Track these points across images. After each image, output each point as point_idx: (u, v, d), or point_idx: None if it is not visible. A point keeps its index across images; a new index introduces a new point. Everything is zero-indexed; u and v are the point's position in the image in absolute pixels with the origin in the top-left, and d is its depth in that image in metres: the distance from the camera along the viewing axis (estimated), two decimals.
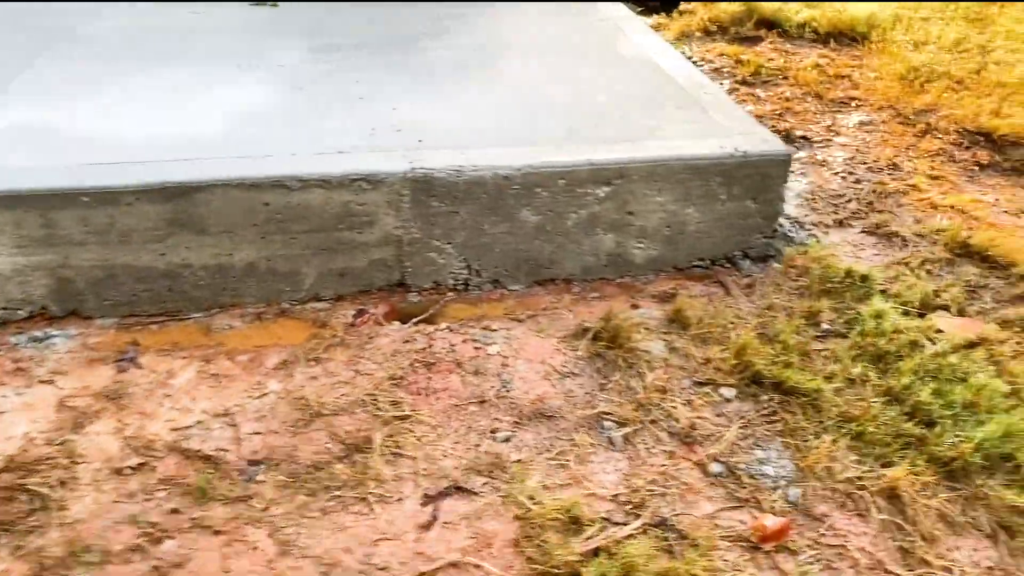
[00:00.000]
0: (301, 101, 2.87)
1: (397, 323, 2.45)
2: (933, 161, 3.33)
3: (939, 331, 2.27)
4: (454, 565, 1.71)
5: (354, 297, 2.57)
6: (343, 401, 2.12)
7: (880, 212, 2.99)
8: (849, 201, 3.08)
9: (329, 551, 1.73)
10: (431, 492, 1.88)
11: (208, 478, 1.87)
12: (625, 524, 1.81)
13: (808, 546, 1.77)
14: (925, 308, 2.43)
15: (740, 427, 2.07)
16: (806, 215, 3.01)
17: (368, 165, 2.43)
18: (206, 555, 1.71)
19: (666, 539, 1.76)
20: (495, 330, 2.40)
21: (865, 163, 3.34)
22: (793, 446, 2.00)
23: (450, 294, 2.61)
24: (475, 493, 1.88)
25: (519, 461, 1.97)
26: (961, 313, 2.42)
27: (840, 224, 2.95)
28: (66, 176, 2.27)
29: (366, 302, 2.55)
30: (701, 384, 2.20)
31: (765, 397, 2.14)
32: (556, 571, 1.66)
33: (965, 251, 2.69)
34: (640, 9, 5.25)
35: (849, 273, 2.47)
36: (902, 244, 2.80)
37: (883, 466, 1.91)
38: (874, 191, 3.12)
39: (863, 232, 2.90)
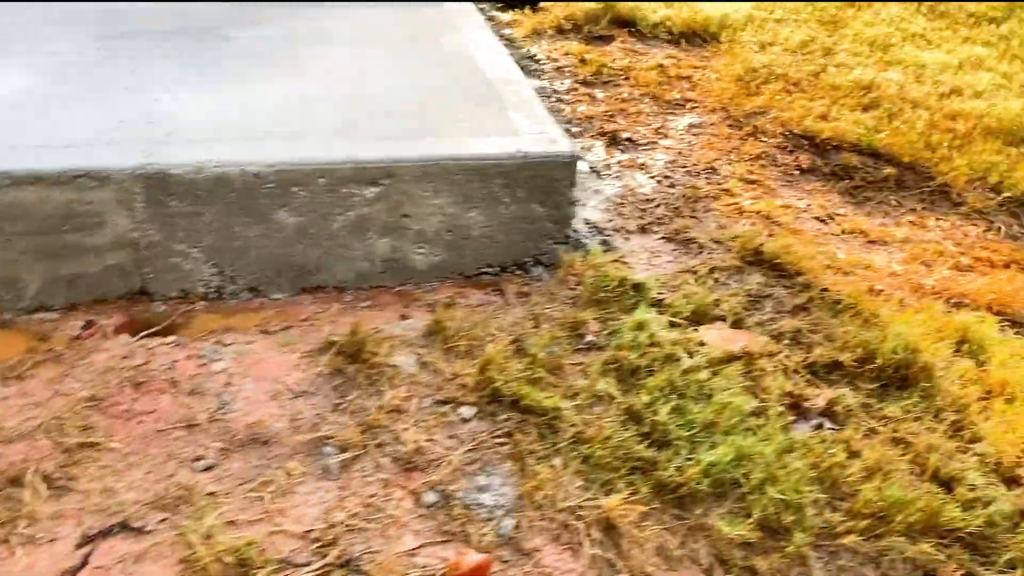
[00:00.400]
0: (59, 92, 2.60)
1: (126, 336, 2.21)
2: (753, 165, 3.22)
3: (701, 344, 2.13)
4: None
5: (88, 307, 2.32)
6: (26, 426, 1.87)
7: (685, 218, 2.86)
8: (657, 206, 2.95)
9: None
10: (92, 532, 1.65)
11: None
12: (306, 565, 1.60)
13: None
14: (699, 319, 2.29)
15: (469, 450, 1.89)
16: (610, 220, 2.86)
17: (93, 161, 2.20)
18: None
19: None
20: (228, 344, 2.18)
21: (685, 167, 3.22)
22: (520, 471, 1.83)
23: (201, 303, 2.39)
24: (145, 532, 1.66)
25: (212, 494, 1.76)
26: (737, 324, 2.29)
27: (643, 230, 2.81)
28: None
29: (101, 312, 2.31)
30: (442, 403, 2.02)
31: (503, 416, 1.97)
32: None
33: (757, 259, 2.57)
34: (500, 5, 5.09)
35: (623, 282, 2.32)
36: (697, 251, 2.67)
37: (606, 493, 1.75)
38: (684, 196, 2.99)
39: (663, 238, 2.76)
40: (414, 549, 1.67)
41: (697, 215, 2.89)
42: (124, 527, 1.67)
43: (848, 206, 3.00)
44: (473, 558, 1.62)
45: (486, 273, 2.60)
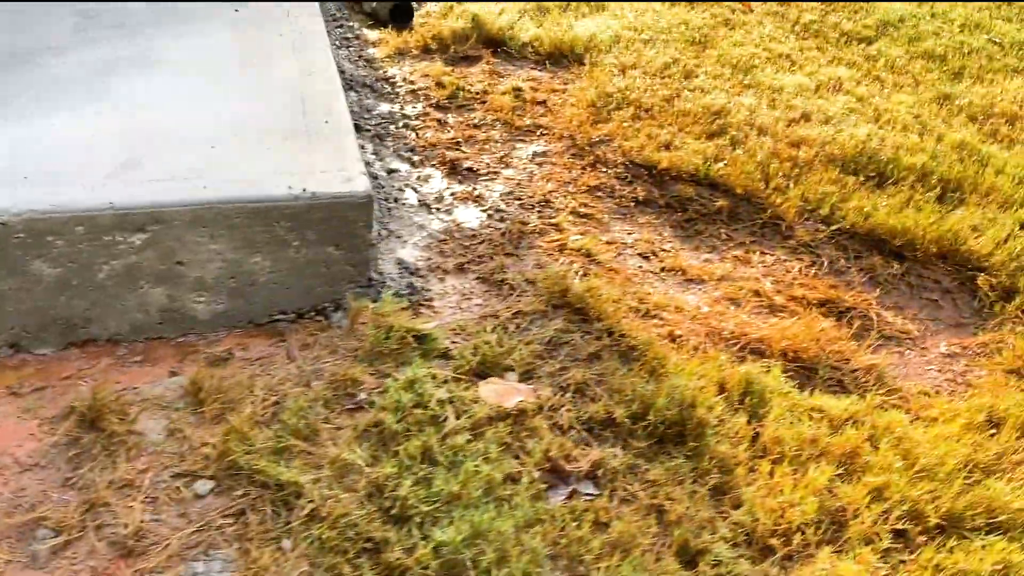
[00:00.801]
0: None
1: None
2: (590, 197, 3.12)
3: (475, 401, 2.00)
4: None
5: None
6: None
7: (505, 256, 2.74)
8: (481, 243, 2.82)
9: None
10: None
11: None
12: None
13: None
14: (486, 372, 2.17)
15: (195, 531, 1.74)
16: (429, 259, 2.73)
17: None
18: None
19: None
20: None
21: (520, 199, 3.10)
22: (244, 555, 1.67)
23: None
24: None
25: None
26: (526, 376, 2.17)
27: (460, 270, 2.69)
28: None
29: None
30: (179, 476, 1.86)
31: (239, 492, 1.82)
32: None
33: (562, 302, 2.45)
34: (370, 23, 4.94)
35: (407, 333, 2.18)
36: (508, 293, 2.56)
37: None
38: (511, 231, 2.87)
39: (478, 279, 2.64)
40: None
41: (519, 252, 2.78)
42: None
43: (676, 240, 2.92)
44: None
45: (280, 320, 2.45)
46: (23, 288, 2.21)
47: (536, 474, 1.81)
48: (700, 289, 2.62)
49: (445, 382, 2.06)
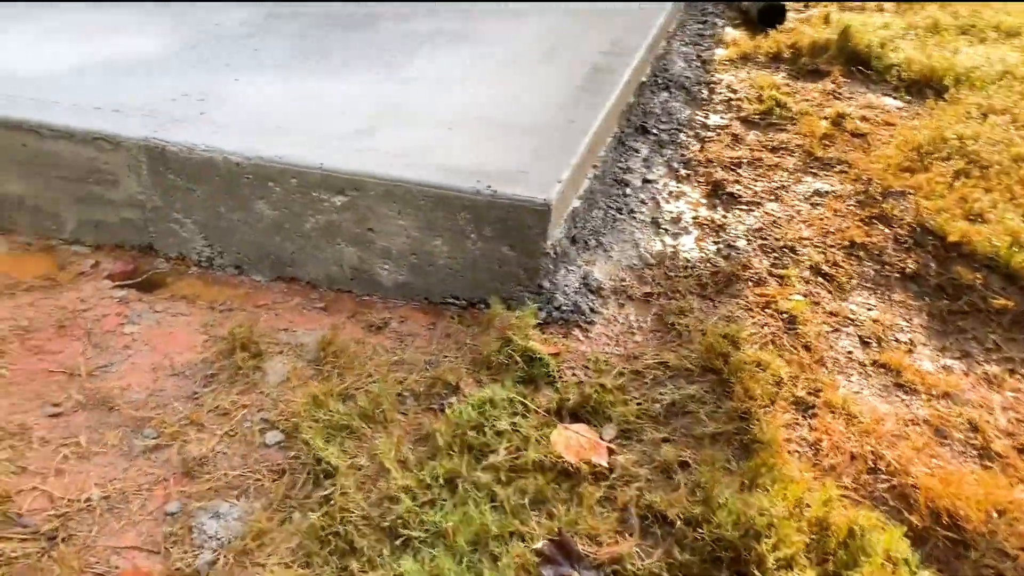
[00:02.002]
0: (162, 60, 3.02)
1: (108, 281, 2.54)
2: (847, 255, 2.67)
3: (538, 442, 1.88)
4: None
5: (110, 249, 2.70)
6: None
7: (700, 297, 2.49)
8: (686, 277, 2.59)
9: None
10: None
11: None
12: (21, 536, 1.78)
13: None
14: (583, 416, 2.02)
15: (242, 474, 1.91)
16: (622, 281, 2.58)
17: (111, 127, 2.53)
18: None
19: None
20: (158, 311, 2.41)
21: (765, 239, 2.77)
22: (257, 515, 1.81)
23: (195, 268, 2.65)
24: None
25: (43, 439, 2.00)
26: (624, 435, 1.98)
27: (646, 300, 2.51)
28: None
29: (115, 256, 2.67)
30: (263, 421, 2.05)
31: (292, 454, 1.95)
32: None
33: (716, 366, 2.16)
34: (737, 21, 4.71)
35: (524, 352, 2.11)
36: (672, 339, 2.32)
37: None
38: (724, 272, 2.59)
39: (655, 315, 2.44)
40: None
41: (717, 298, 2.49)
42: None
43: (924, 332, 2.37)
44: None
45: (451, 304, 2.52)
46: (248, 222, 2.55)
47: (540, 543, 1.65)
48: (904, 400, 2.11)
49: (520, 414, 1.95)
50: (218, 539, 1.76)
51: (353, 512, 1.73)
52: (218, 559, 1.72)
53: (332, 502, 1.77)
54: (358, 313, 2.48)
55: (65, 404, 2.11)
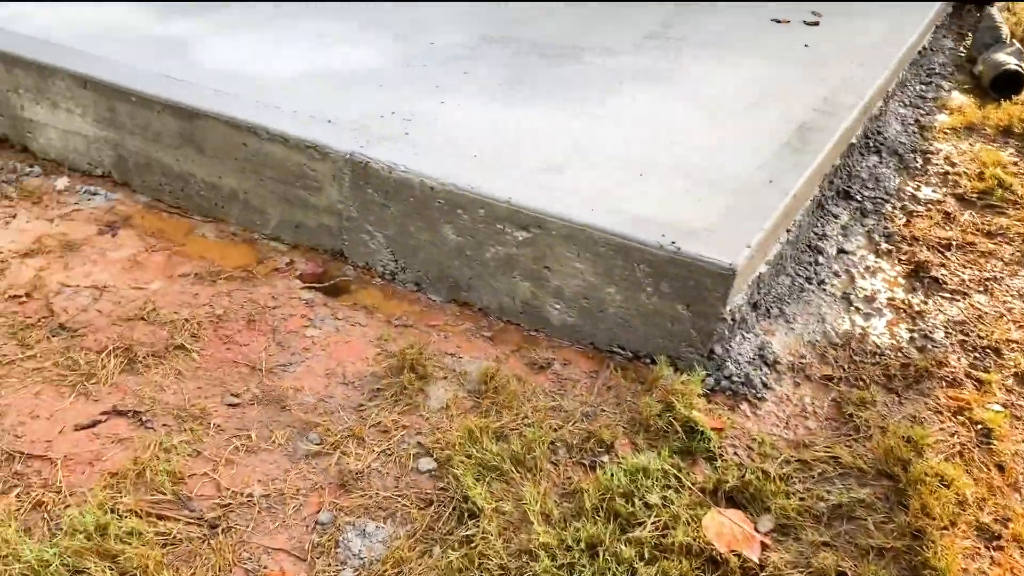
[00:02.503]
0: (379, 73, 3.16)
1: (298, 281, 2.70)
2: None
3: (688, 524, 1.82)
4: None
5: (305, 250, 2.87)
6: (169, 316, 2.48)
7: (886, 390, 2.32)
8: (874, 364, 2.43)
9: None
10: (116, 407, 2.18)
11: (26, 332, 2.40)
12: (187, 519, 1.91)
13: None
14: (740, 501, 1.93)
15: (391, 496, 1.97)
16: (801, 358, 2.46)
17: (322, 138, 2.68)
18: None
19: None
20: (340, 318, 2.53)
21: (966, 335, 2.55)
22: (401, 542, 1.86)
23: (378, 279, 2.77)
24: (147, 427, 2.13)
25: (217, 426, 2.15)
26: (782, 531, 1.87)
27: (824, 383, 2.37)
28: (128, 77, 2.93)
29: (308, 257, 2.83)
30: (419, 446, 2.10)
31: (442, 485, 1.98)
32: None
33: (893, 472, 2.01)
34: (966, 86, 4.39)
35: (685, 420, 2.05)
36: (848, 432, 2.18)
37: None
38: (917, 366, 2.40)
39: (833, 401, 2.30)
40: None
41: (904, 394, 2.31)
42: (135, 416, 2.15)
43: None
44: None
45: (617, 354, 2.49)
46: (433, 243, 2.63)
47: None
48: None
49: (674, 488, 1.88)
50: (360, 559, 1.81)
51: (492, 560, 1.73)
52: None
53: (473, 544, 1.78)
54: (523, 348, 2.49)
55: (243, 396, 2.24)
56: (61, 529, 1.80)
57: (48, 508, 1.88)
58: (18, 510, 1.86)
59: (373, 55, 3.30)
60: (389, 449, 2.09)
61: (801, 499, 1.93)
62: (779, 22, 4.09)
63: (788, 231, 2.78)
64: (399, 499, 1.95)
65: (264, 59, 3.17)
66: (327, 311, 2.56)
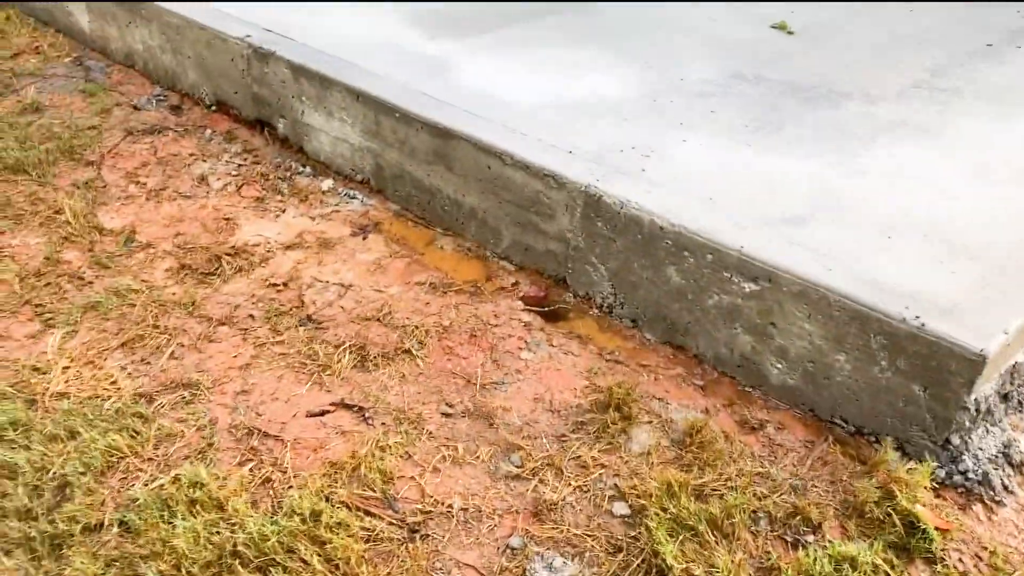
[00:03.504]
0: (618, 105, 3.20)
1: (520, 303, 2.79)
2: None
3: None
4: None
5: (530, 272, 2.97)
6: (403, 320, 2.66)
7: None
8: None
9: None
10: (344, 400, 2.37)
11: (279, 318, 2.67)
12: (387, 522, 2.04)
13: None
14: None
15: (584, 534, 1.99)
16: None
17: (562, 168, 2.76)
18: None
19: None
20: (555, 345, 2.58)
21: None
22: None
23: (595, 310, 2.81)
24: (368, 423, 2.30)
25: (430, 433, 2.29)
26: None
27: None
28: (394, 94, 3.17)
29: (532, 280, 2.93)
30: (615, 488, 2.10)
31: (633, 534, 1.97)
32: None
33: None
34: None
35: (906, 514, 1.90)
36: None
37: None
38: None
39: None
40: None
41: None
42: (360, 411, 2.32)
43: None
44: None
45: (838, 425, 2.36)
46: (655, 282, 2.62)
47: None
48: None
49: None
50: None
51: None
52: None
53: None
54: (735, 403, 2.41)
55: (456, 407, 2.35)
56: (281, 508, 1.98)
57: (274, 486, 2.07)
58: (250, 483, 2.06)
59: (620, 87, 3.33)
60: (585, 486, 2.10)
61: None
62: None
63: None
64: (589, 539, 1.96)
65: (515, 84, 3.30)
66: (543, 335, 2.62)
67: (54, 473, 2.04)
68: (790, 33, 4.10)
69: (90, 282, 2.78)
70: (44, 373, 2.38)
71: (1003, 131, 3.12)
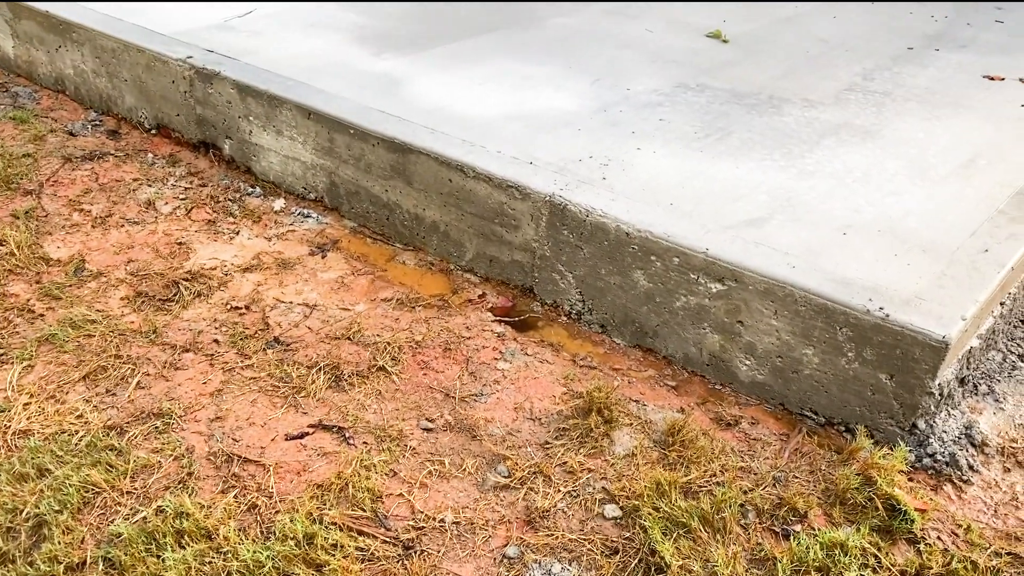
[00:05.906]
0: (578, 118, 3.24)
1: (489, 314, 2.80)
2: None
3: None
4: None
5: (496, 284, 2.98)
6: (373, 338, 2.63)
7: None
8: None
9: None
10: (321, 422, 2.33)
11: (245, 342, 2.62)
12: (382, 538, 2.02)
13: None
14: None
15: (577, 539, 2.00)
16: (1011, 441, 2.31)
17: (525, 179, 2.78)
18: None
19: None
20: (530, 354, 2.60)
21: None
22: None
23: (564, 318, 2.83)
24: (349, 443, 2.27)
25: (413, 449, 2.27)
26: None
27: None
28: (349, 111, 3.15)
29: (499, 291, 2.94)
30: (603, 491, 2.13)
31: (628, 534, 1.99)
32: None
33: None
34: None
35: (887, 497, 1.97)
36: None
37: None
38: None
39: None
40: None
41: None
42: (339, 431, 2.29)
43: None
44: None
45: (808, 418, 2.43)
46: (622, 288, 2.66)
47: None
48: None
49: (872, 568, 1.81)
50: None
51: None
52: None
53: None
54: (708, 401, 2.47)
55: (437, 422, 2.34)
56: (273, 533, 1.94)
57: (260, 511, 2.02)
58: (236, 510, 2.01)
59: (572, 99, 3.38)
60: (575, 491, 2.11)
61: None
62: (992, 79, 3.87)
63: (1002, 304, 2.62)
64: (584, 543, 1.97)
65: (468, 98, 3.32)
66: (516, 345, 2.63)
67: (27, 513, 1.95)
68: (725, 41, 4.23)
69: (41, 314, 2.68)
70: (3, 411, 2.27)
71: (935, 129, 3.28)
